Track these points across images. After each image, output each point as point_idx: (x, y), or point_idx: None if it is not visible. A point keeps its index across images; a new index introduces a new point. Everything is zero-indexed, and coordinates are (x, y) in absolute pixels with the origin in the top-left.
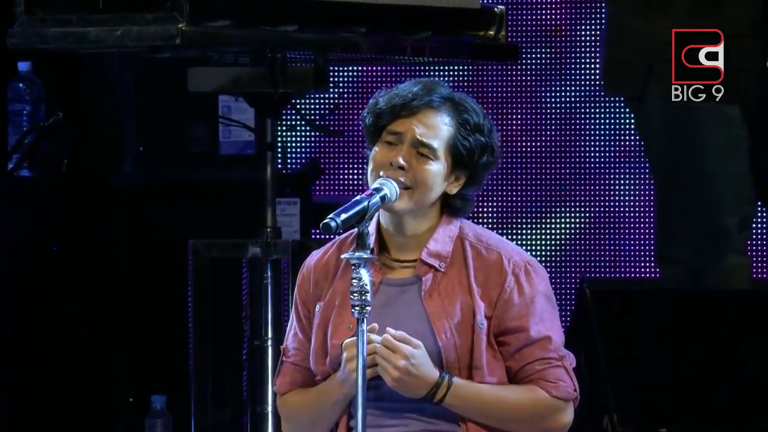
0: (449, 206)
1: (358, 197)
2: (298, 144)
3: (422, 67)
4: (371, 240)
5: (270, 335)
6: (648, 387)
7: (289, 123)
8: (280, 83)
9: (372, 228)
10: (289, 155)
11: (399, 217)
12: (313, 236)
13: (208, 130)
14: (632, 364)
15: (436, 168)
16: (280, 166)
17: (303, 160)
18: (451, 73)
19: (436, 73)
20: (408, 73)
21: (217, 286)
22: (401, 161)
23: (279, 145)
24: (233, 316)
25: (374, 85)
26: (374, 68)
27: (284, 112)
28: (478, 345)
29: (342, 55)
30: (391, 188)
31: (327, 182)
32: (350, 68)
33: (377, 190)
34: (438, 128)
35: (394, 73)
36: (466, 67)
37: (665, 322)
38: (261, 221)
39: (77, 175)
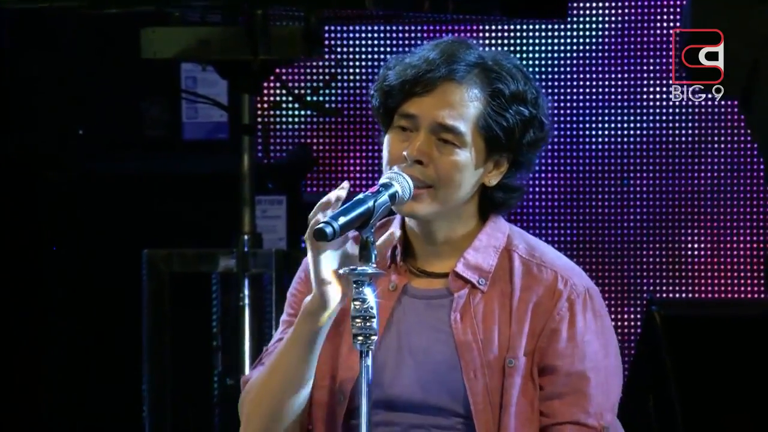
0: (489, 200)
1: (361, 195)
2: (284, 126)
3: (445, 27)
4: (396, 236)
5: (248, 372)
6: None
7: (272, 99)
8: (260, 48)
9: (396, 226)
10: (272, 141)
11: (425, 222)
12: (303, 245)
13: (168, 109)
14: (711, 405)
15: (464, 157)
16: (260, 154)
17: (290, 147)
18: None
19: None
20: (428, 35)
21: (180, 308)
22: (417, 155)
23: (259, 127)
24: (201, 347)
25: (382, 51)
26: (383, 29)
27: (266, 85)
28: (509, 387)
29: (340, 12)
30: (403, 184)
31: (321, 175)
32: (351, 29)
33: (385, 186)
34: (463, 106)
35: (408, 35)
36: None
37: (751, 353)
38: (236, 225)
39: (1, 165)
